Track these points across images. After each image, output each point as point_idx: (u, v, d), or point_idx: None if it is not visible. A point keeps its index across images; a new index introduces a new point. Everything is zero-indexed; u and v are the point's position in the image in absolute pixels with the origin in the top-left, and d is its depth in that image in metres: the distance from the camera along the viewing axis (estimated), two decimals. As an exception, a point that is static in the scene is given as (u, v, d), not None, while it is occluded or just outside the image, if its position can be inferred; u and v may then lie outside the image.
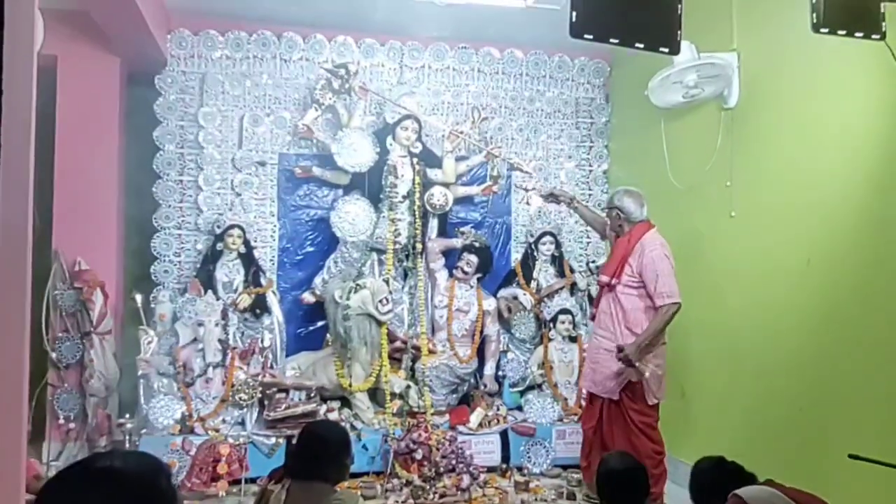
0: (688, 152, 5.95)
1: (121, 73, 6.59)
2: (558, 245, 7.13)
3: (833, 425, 4.36)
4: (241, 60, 6.85)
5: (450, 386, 6.57)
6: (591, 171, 7.56)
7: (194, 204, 6.72)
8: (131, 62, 6.63)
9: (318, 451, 3.37)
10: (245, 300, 6.38)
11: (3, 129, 2.11)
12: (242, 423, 6.04)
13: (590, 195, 7.42)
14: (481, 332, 6.78)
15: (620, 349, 4.88)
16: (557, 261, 7.13)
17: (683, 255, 5.23)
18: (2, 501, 2.22)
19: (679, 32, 3.17)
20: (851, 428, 4.19)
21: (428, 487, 5.47)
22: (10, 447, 2.37)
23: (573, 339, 6.76)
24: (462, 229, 6.96)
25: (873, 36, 3.56)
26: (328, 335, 6.50)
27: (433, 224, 6.97)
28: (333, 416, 6.11)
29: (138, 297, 6.22)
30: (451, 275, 6.81)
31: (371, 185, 6.77)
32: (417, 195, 6.74)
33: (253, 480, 5.39)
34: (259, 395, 6.04)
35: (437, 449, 5.73)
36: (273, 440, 5.84)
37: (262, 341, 6.30)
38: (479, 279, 6.84)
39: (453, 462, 5.69)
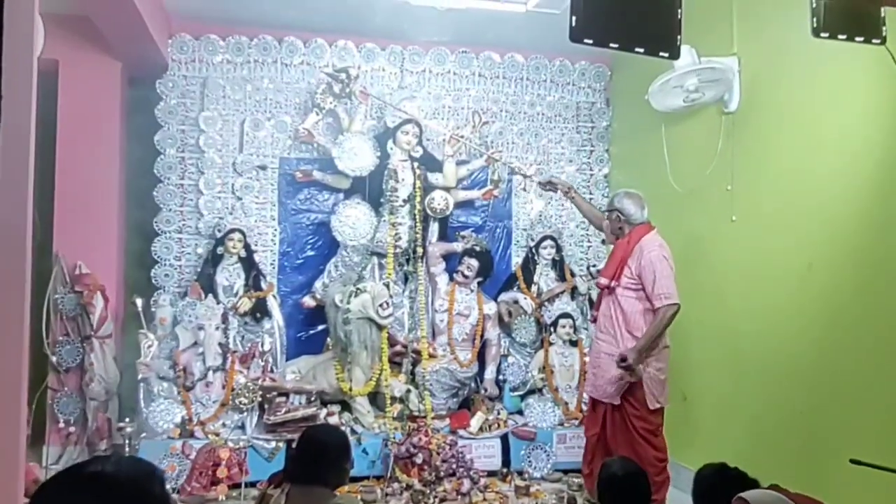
0: (688, 156, 5.95)
1: (122, 77, 6.59)
2: (559, 249, 7.12)
3: (834, 430, 4.36)
4: (241, 65, 6.86)
5: (450, 390, 6.57)
6: (591, 174, 7.56)
7: (195, 208, 6.72)
8: (132, 66, 6.63)
9: (317, 456, 3.36)
10: (245, 304, 6.38)
11: (4, 133, 2.11)
12: (242, 427, 6.03)
13: (591, 199, 7.40)
14: (482, 336, 6.78)
15: (623, 358, 4.84)
16: (558, 265, 7.12)
17: (684, 259, 5.23)
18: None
19: (679, 37, 3.17)
20: (853, 432, 4.19)
21: (428, 492, 5.46)
22: (9, 451, 2.37)
23: (574, 343, 6.76)
24: (463, 233, 6.95)
25: (873, 40, 3.56)
26: (328, 339, 6.50)
27: (434, 228, 6.96)
28: (333, 420, 6.10)
29: (139, 301, 6.21)
30: (451, 279, 6.81)
31: (372, 189, 6.77)
32: (418, 199, 6.74)
33: (253, 484, 5.38)
34: (259, 399, 6.04)
35: (438, 453, 5.73)
36: (273, 444, 5.84)
37: (262, 345, 6.29)
38: (479, 283, 6.84)
39: (454, 466, 5.69)
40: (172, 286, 6.61)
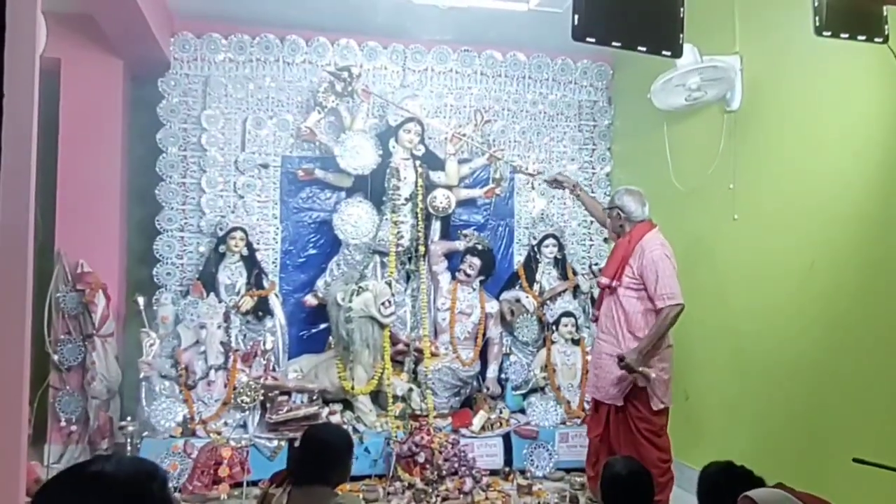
0: (690, 155, 5.94)
1: (124, 75, 6.60)
2: (561, 247, 7.12)
3: (838, 428, 4.35)
4: (244, 63, 6.86)
5: (452, 389, 6.57)
6: (594, 173, 7.56)
7: (197, 206, 6.72)
8: (134, 65, 6.64)
9: (320, 455, 3.37)
10: (247, 303, 6.38)
11: (6, 131, 2.11)
12: (244, 426, 6.04)
13: (592, 197, 7.40)
14: (484, 334, 6.78)
15: (621, 358, 4.80)
16: (560, 263, 7.11)
17: (686, 258, 5.22)
18: (3, 503, 2.22)
19: (681, 36, 3.16)
20: (856, 431, 4.18)
21: (430, 491, 5.46)
22: (10, 450, 2.36)
23: (576, 342, 6.76)
24: (465, 232, 6.96)
25: (876, 39, 3.55)
26: (330, 338, 6.50)
27: (436, 227, 6.96)
28: (335, 419, 6.10)
29: (140, 300, 6.21)
30: (453, 277, 6.81)
31: (374, 188, 6.77)
32: (420, 198, 6.74)
33: (255, 483, 5.38)
34: (261, 398, 6.04)
35: (440, 452, 5.72)
36: (275, 443, 5.84)
37: (264, 344, 6.29)
38: (481, 282, 6.84)
39: (456, 465, 5.69)
40: (174, 285, 6.61)
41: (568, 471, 6.08)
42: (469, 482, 5.55)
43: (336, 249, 6.80)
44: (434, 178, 6.86)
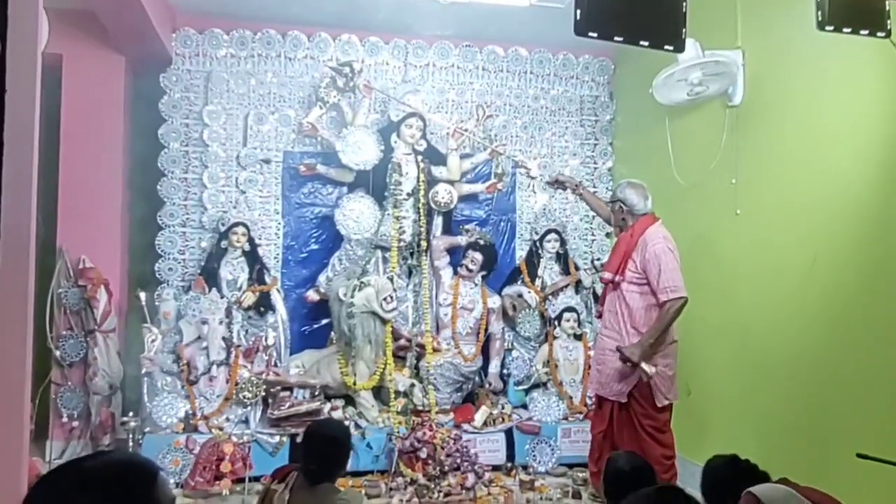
0: (692, 150, 5.93)
1: (125, 71, 6.60)
2: (563, 242, 7.12)
3: (841, 423, 4.35)
4: (245, 59, 6.85)
5: (454, 384, 6.57)
6: (595, 168, 7.55)
7: (199, 202, 6.71)
8: (136, 61, 6.64)
9: (323, 452, 3.39)
10: (249, 298, 6.38)
11: (8, 127, 2.11)
12: (246, 422, 6.04)
13: (594, 193, 7.38)
14: (486, 329, 6.78)
15: (620, 350, 4.78)
16: (562, 258, 7.11)
17: (688, 253, 5.21)
18: (5, 499, 2.22)
19: (684, 30, 3.16)
20: (859, 426, 4.18)
21: (432, 486, 5.46)
22: (12, 446, 2.37)
23: (578, 337, 6.76)
24: (467, 227, 6.95)
25: (878, 34, 3.54)
26: (332, 333, 6.50)
27: (438, 221, 6.96)
28: (337, 414, 6.11)
29: (142, 295, 6.21)
30: (455, 272, 6.80)
31: (375, 183, 6.76)
32: (422, 193, 6.73)
33: (257, 479, 5.38)
34: (263, 394, 6.05)
35: (442, 447, 5.73)
36: (277, 438, 5.85)
37: (266, 339, 6.30)
38: (483, 277, 6.84)
39: (458, 461, 5.68)
40: (176, 280, 6.60)
41: (570, 466, 6.08)
42: (471, 478, 5.56)
43: (338, 245, 6.80)
44: (436, 174, 6.85)
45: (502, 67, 7.34)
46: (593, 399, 5.52)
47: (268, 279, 6.57)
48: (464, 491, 5.46)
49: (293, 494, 3.26)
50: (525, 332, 6.89)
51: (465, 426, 6.24)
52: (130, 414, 5.89)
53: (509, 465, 6.14)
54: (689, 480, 5.18)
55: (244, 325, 6.40)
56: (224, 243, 6.46)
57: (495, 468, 6.03)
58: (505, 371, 6.83)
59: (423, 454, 5.68)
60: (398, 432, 5.94)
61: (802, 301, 4.72)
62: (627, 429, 4.92)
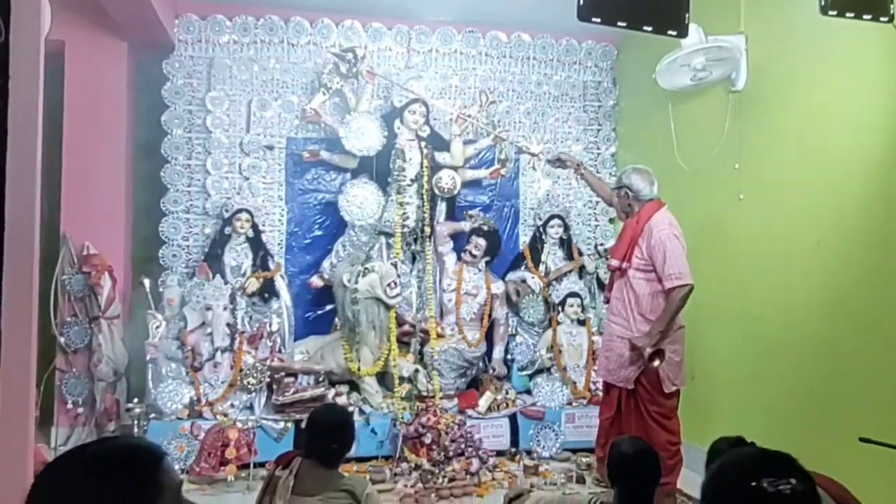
0: (696, 135, 5.92)
1: (128, 57, 6.58)
2: (566, 228, 7.11)
3: (844, 408, 4.35)
4: (248, 45, 6.83)
5: (458, 370, 6.58)
6: (598, 153, 7.53)
7: (202, 188, 6.71)
8: (139, 47, 6.62)
9: (332, 437, 3.41)
10: (253, 284, 6.38)
11: (11, 114, 2.11)
12: (251, 408, 6.06)
13: (597, 177, 7.38)
14: (490, 315, 6.78)
15: (634, 347, 4.78)
16: (566, 244, 7.11)
17: (691, 238, 5.20)
18: (11, 486, 2.23)
19: (687, 15, 3.16)
20: (863, 411, 4.19)
21: (437, 471, 5.48)
22: (18, 432, 2.38)
23: (582, 323, 6.77)
24: (470, 212, 6.94)
25: (881, 18, 3.54)
26: (336, 319, 6.52)
27: (441, 207, 6.96)
28: (342, 400, 6.12)
29: (146, 282, 6.22)
30: (459, 258, 6.80)
31: (379, 169, 6.74)
32: (425, 178, 6.72)
33: (261, 464, 5.40)
34: (267, 380, 6.06)
35: (446, 433, 5.74)
36: (282, 424, 5.86)
37: (270, 325, 6.30)
38: (487, 262, 6.84)
39: (462, 446, 5.70)
40: (180, 266, 6.61)
41: (574, 451, 6.10)
42: (475, 463, 5.57)
43: (341, 231, 6.80)
44: (439, 159, 6.85)
45: (505, 53, 7.32)
46: (601, 385, 5.53)
47: (271, 265, 6.58)
48: (468, 476, 5.48)
49: (297, 480, 3.27)
50: (529, 318, 6.89)
51: (470, 412, 6.26)
52: (135, 400, 5.91)
53: (513, 450, 6.16)
54: (694, 465, 5.21)
55: (248, 312, 6.40)
56: (228, 230, 6.46)
57: (499, 453, 6.05)
58: (509, 356, 6.84)
59: (427, 440, 5.69)
60: (402, 418, 5.95)
61: (807, 285, 4.72)
62: (635, 415, 4.92)
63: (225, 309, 6.15)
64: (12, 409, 2.30)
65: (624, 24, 3.11)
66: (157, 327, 6.06)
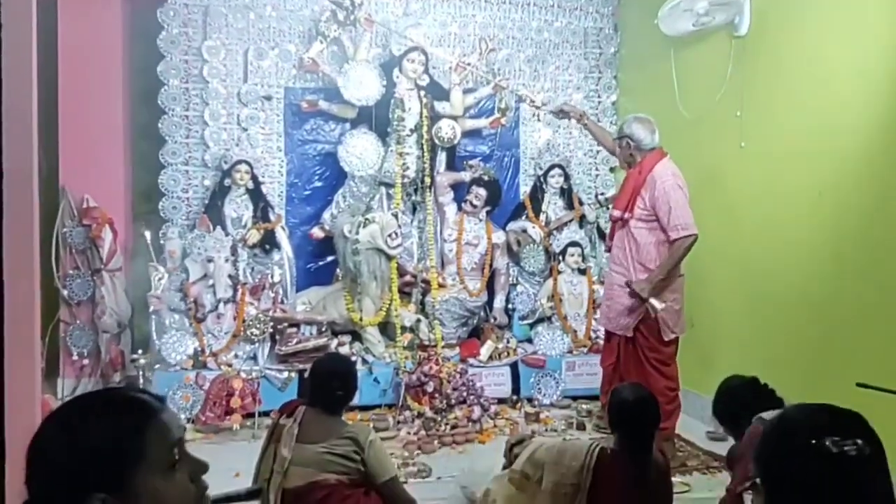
0: (698, 82, 5.87)
1: (122, 6, 6.50)
2: (567, 177, 7.09)
3: (842, 354, 4.38)
4: (244, -8, 6.74)
5: (460, 319, 6.61)
6: (599, 102, 7.46)
7: (200, 139, 6.65)
8: (133, -4, 6.54)
9: (334, 385, 3.44)
10: (254, 236, 6.38)
11: (4, 66, 2.09)
12: (255, 358, 6.10)
13: (600, 126, 7.32)
14: (490, 265, 6.79)
15: (629, 284, 4.80)
16: (566, 193, 7.09)
17: (692, 186, 5.16)
18: (19, 436, 2.25)
19: (690, -42, 3.11)
20: (860, 357, 4.21)
21: (439, 419, 5.52)
22: (25, 383, 2.39)
23: (582, 272, 6.78)
24: (470, 162, 6.91)
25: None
26: (338, 270, 6.53)
27: (441, 157, 6.93)
28: (344, 349, 6.15)
29: (147, 234, 6.21)
30: (459, 208, 6.80)
31: (378, 119, 6.69)
32: (425, 128, 6.68)
33: (266, 414, 5.42)
34: (270, 330, 6.09)
35: (448, 381, 5.77)
36: (285, 374, 5.91)
37: (272, 276, 6.31)
38: (487, 212, 6.82)
39: (464, 394, 5.74)
40: (180, 219, 6.58)
41: (575, 398, 6.13)
42: (477, 410, 5.61)
43: (341, 181, 6.77)
44: (439, 109, 6.79)
45: (505, -1, 7.23)
46: (602, 333, 5.56)
47: (272, 217, 6.56)
48: (470, 423, 5.53)
49: (302, 428, 3.30)
50: (529, 267, 6.90)
51: (471, 360, 6.30)
52: (140, 351, 5.94)
53: (514, 398, 6.21)
54: (692, 411, 5.26)
55: (250, 263, 6.41)
56: (227, 181, 6.44)
57: (501, 401, 6.09)
58: (510, 306, 6.86)
59: (429, 388, 5.73)
60: (405, 367, 5.98)
61: (807, 234, 4.71)
62: (633, 362, 4.95)
63: (227, 261, 6.16)
64: (19, 361, 2.31)
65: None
66: (160, 279, 6.08)
